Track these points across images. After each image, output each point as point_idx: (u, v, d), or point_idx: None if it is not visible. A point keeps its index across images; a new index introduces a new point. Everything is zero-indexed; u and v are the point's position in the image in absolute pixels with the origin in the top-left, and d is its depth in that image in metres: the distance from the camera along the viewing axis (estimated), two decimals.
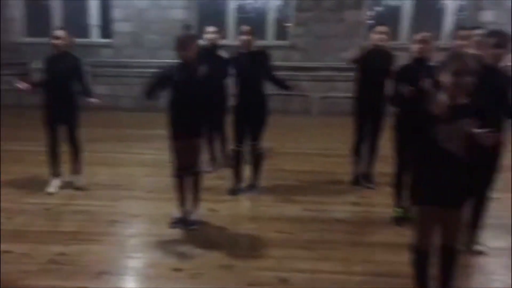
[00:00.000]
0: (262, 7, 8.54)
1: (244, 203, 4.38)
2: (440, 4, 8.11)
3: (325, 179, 4.96)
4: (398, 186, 3.83)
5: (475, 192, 3.14)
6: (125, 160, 5.61)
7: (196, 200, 3.84)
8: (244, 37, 4.23)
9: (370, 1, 8.27)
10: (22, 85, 4.35)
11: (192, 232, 3.69)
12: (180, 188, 3.80)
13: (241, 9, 8.53)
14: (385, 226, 3.83)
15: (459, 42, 3.64)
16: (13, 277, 3.02)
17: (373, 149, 4.63)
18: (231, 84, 4.45)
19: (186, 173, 3.74)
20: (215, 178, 4.80)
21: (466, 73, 2.30)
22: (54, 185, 4.56)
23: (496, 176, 3.24)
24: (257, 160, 4.51)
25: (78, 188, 4.57)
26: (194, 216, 3.82)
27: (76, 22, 8.63)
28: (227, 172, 4.70)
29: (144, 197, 4.43)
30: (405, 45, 4.20)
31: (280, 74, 8.12)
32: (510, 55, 3.13)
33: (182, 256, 3.34)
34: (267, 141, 6.29)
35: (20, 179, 4.79)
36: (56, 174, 4.60)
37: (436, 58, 3.57)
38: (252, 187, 4.57)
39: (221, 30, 5.31)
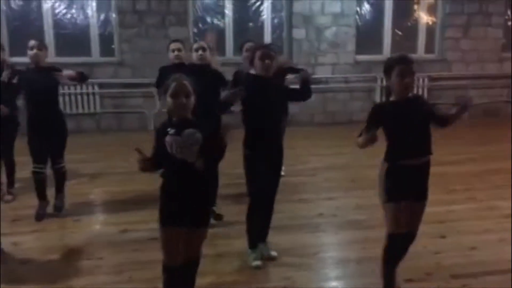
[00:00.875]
0: (83, 23, 8.21)
1: (52, 230, 4.11)
2: (260, 22, 8.69)
3: (148, 198, 4.90)
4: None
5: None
6: None
7: None
8: (32, 52, 4.08)
9: (194, 18, 8.51)
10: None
11: None
12: None
13: (59, 25, 8.08)
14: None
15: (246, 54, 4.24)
16: None
17: None
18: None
19: None
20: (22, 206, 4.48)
21: (186, 95, 2.50)
22: None
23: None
24: (58, 180, 4.38)
25: None
26: None
27: None
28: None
29: None
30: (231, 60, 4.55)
31: (110, 92, 7.99)
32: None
33: None
34: (98, 162, 6.21)
35: None
36: None
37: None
38: (58, 209, 4.38)
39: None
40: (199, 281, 2.83)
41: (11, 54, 6.90)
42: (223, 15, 8.57)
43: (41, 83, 4.11)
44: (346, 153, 6.63)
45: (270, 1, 8.60)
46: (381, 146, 2.80)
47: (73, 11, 8.14)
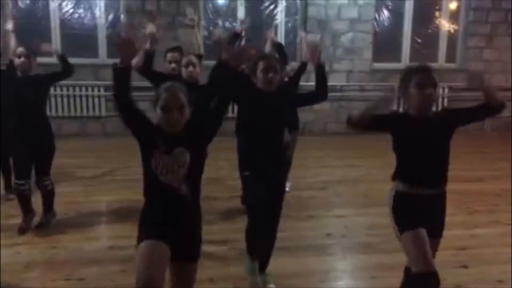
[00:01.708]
0: (90, 23, 7.97)
1: (34, 244, 3.78)
2: (273, 26, 8.35)
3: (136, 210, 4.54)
4: None
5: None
6: None
7: None
8: (20, 60, 3.76)
9: (204, 21, 8.22)
10: None
11: None
12: None
13: (66, 25, 7.84)
14: None
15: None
16: None
17: None
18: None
19: None
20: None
21: (180, 108, 2.13)
22: None
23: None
24: (45, 198, 4.06)
25: None
26: None
27: None
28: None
29: None
30: None
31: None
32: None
33: None
34: (97, 167, 5.92)
35: None
36: None
37: None
38: (42, 226, 4.04)
39: None
40: None
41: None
42: (235, 18, 8.26)
43: (29, 94, 3.80)
44: (359, 165, 6.26)
45: (284, 4, 8.27)
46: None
47: (81, 10, 7.90)
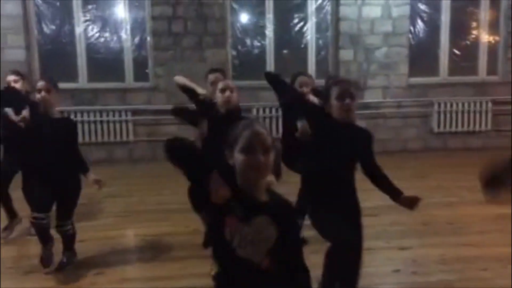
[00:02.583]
0: (116, 46, 7.77)
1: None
2: (303, 44, 8.05)
3: (184, 244, 4.15)
4: None
5: None
6: None
7: None
8: (40, 96, 3.45)
9: (232, 40, 7.95)
10: None
11: None
12: None
13: (92, 49, 7.66)
14: None
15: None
16: None
17: None
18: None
19: None
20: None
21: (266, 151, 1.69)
22: None
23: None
24: (66, 241, 3.72)
25: None
26: None
27: None
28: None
29: None
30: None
31: (144, 119, 7.43)
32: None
33: None
34: (128, 196, 5.61)
35: None
36: None
37: None
38: (62, 266, 3.68)
39: (25, 78, 4.41)
40: None
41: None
42: (263, 36, 7.98)
43: (54, 137, 3.45)
44: (406, 187, 5.79)
45: (314, 21, 7.96)
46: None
47: (107, 34, 7.72)
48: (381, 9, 7.81)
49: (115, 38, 7.74)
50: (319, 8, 7.96)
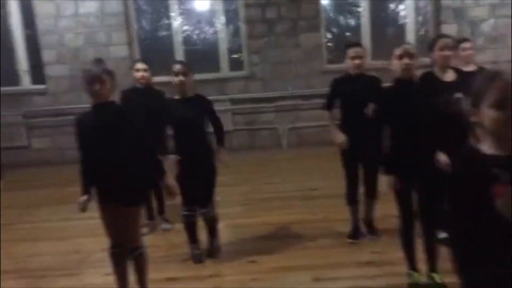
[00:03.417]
0: (211, 37, 7.83)
1: (229, 275, 3.49)
2: (399, 21, 7.71)
3: (316, 232, 4.09)
4: (408, 244, 3.09)
5: None
6: (71, 229, 4.60)
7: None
8: (177, 79, 3.52)
9: (326, 22, 7.76)
10: None
11: None
12: (119, 274, 2.97)
13: (188, 42, 7.76)
14: None
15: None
16: None
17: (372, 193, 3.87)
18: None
19: (123, 253, 2.91)
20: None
21: None
22: None
23: None
24: (209, 225, 3.82)
25: None
26: None
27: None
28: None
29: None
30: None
31: (242, 108, 7.45)
32: None
33: None
34: (237, 185, 5.66)
35: None
36: None
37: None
38: (214, 255, 3.80)
39: (151, 67, 4.50)
40: None
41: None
42: (358, 15, 7.71)
43: (190, 115, 3.54)
44: None
45: None
46: None
47: (202, 25, 7.79)
48: None
49: (209, 29, 7.80)
50: None
